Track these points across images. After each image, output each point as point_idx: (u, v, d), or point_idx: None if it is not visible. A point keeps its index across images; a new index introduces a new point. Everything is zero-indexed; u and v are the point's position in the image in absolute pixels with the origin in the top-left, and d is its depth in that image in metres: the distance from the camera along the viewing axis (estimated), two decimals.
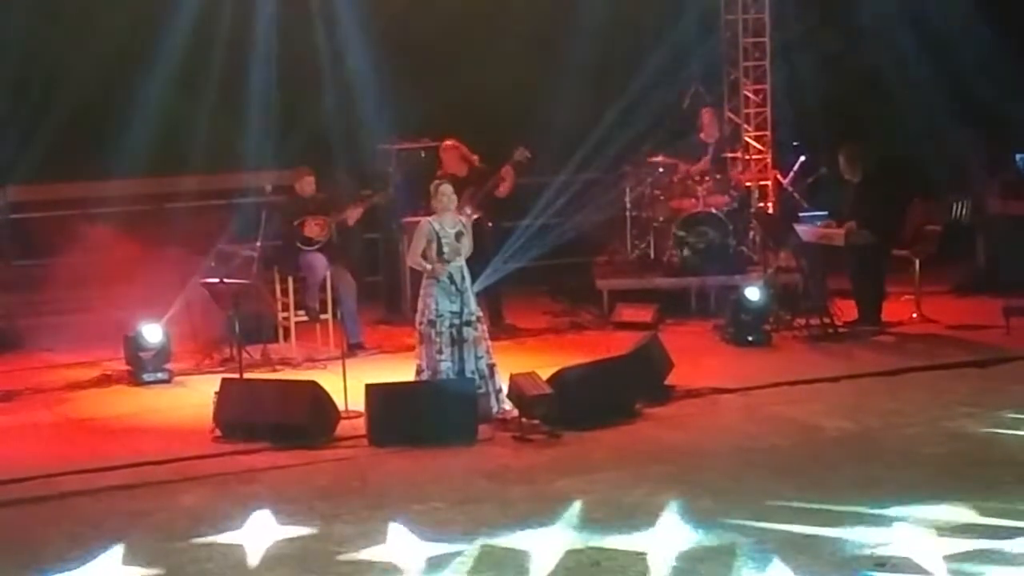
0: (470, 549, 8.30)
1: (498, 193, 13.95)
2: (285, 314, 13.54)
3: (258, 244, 13.39)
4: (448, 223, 11.22)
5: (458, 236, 11.19)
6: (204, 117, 14.61)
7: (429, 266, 11.08)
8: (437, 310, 11.09)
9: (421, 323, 11.19)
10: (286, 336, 13.54)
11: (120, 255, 14.36)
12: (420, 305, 11.24)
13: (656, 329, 13.45)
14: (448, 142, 14.04)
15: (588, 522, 8.68)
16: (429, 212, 11.50)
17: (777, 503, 8.89)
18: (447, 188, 11.36)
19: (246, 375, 11.81)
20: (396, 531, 8.67)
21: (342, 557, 8.32)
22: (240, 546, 8.56)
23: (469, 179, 13.70)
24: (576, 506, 8.97)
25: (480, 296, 11.82)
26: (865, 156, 13.97)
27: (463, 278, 11.21)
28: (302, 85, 15.28)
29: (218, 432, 10.84)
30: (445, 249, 11.13)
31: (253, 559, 8.38)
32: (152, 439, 10.84)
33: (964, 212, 15.55)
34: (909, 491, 9.02)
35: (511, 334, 13.79)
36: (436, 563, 8.14)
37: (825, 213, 14.58)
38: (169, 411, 11.71)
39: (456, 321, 11.10)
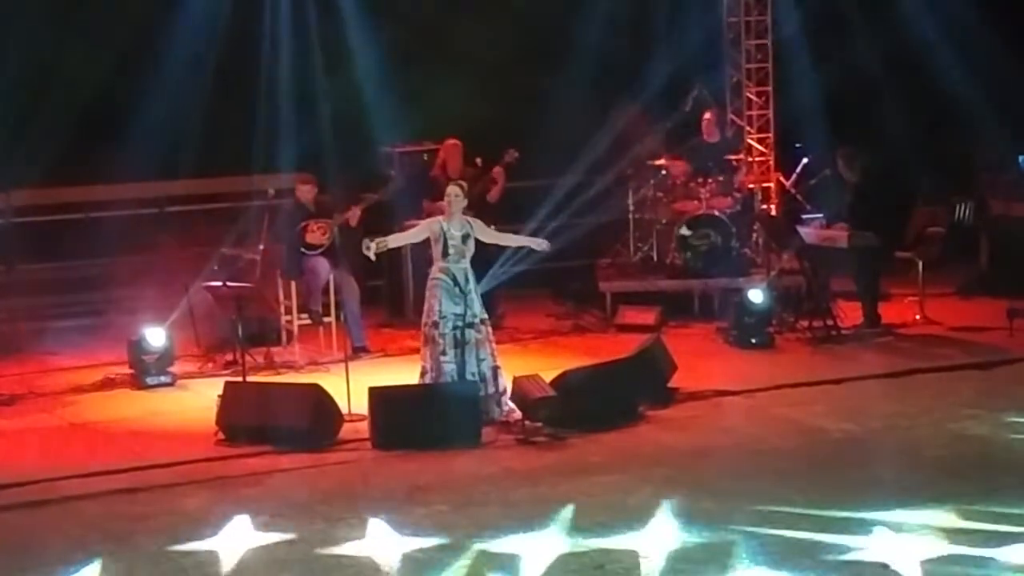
0: (473, 552, 8.30)
1: (489, 197, 13.95)
2: (288, 317, 13.54)
3: (261, 248, 13.40)
4: (455, 225, 11.23)
5: (464, 239, 11.20)
6: (209, 121, 14.59)
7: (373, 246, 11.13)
8: (440, 311, 11.09)
9: (425, 324, 11.20)
10: (289, 339, 13.54)
11: (124, 259, 14.38)
12: (425, 306, 11.26)
13: (659, 332, 13.43)
14: (451, 141, 14.05)
15: (591, 524, 8.68)
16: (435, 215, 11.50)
17: (780, 505, 8.88)
18: (455, 190, 11.38)
19: (249, 378, 11.83)
20: (400, 534, 8.68)
21: (345, 560, 8.32)
22: (243, 550, 8.57)
23: (463, 180, 13.67)
24: (579, 509, 8.97)
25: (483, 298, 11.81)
26: (863, 157, 13.95)
27: (467, 280, 11.20)
28: (306, 88, 15.27)
29: (221, 435, 10.85)
30: (451, 251, 11.15)
31: (256, 563, 8.39)
32: (155, 443, 10.85)
33: (968, 214, 15.52)
34: (912, 493, 9.01)
35: (514, 337, 13.77)
36: (439, 565, 8.14)
37: (822, 216, 14.57)
38: (172, 415, 11.71)
39: (459, 323, 11.10)
